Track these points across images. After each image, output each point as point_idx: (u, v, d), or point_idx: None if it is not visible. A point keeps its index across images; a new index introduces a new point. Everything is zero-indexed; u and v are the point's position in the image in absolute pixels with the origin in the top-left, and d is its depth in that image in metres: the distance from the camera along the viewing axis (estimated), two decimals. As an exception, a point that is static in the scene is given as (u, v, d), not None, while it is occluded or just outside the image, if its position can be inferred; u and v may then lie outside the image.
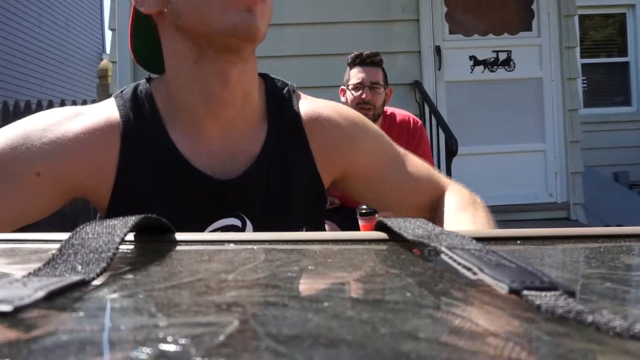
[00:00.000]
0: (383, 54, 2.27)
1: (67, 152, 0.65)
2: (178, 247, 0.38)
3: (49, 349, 0.18)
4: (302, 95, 0.80)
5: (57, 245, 0.29)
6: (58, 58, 9.26)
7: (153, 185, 0.68)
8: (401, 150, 0.84)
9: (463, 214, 0.76)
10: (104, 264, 0.27)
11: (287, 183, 0.73)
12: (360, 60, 2.14)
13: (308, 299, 0.26)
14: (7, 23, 7.82)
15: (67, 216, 4.04)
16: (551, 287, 0.23)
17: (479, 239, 0.32)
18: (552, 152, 3.85)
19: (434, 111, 3.16)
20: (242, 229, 0.71)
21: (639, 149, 5.53)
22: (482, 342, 0.19)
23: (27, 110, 4.17)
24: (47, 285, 0.22)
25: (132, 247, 0.37)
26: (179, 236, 0.39)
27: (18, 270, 0.33)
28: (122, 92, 0.73)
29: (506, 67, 3.90)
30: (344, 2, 3.65)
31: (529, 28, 3.91)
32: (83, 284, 0.25)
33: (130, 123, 0.69)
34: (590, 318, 0.19)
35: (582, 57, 5.46)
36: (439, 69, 3.79)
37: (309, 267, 0.32)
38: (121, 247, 0.31)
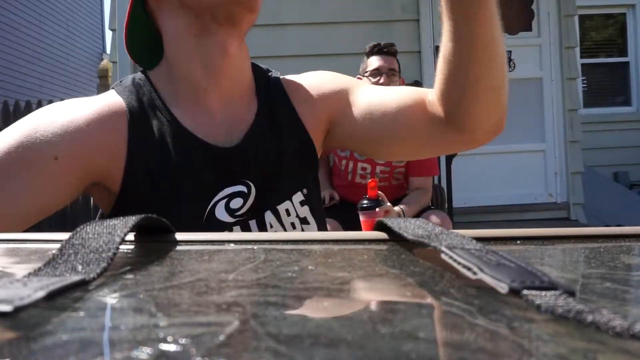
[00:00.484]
0: (383, 54, 2.30)
1: (81, 134, 0.67)
2: (178, 247, 0.38)
3: (49, 349, 0.18)
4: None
5: (58, 245, 0.29)
6: (58, 58, 9.27)
7: (162, 161, 0.71)
8: (376, 86, 0.85)
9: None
10: (104, 264, 0.27)
11: (280, 145, 0.78)
12: (378, 50, 2.30)
13: (308, 299, 0.26)
14: (7, 23, 7.82)
15: (67, 216, 4.04)
16: (551, 286, 0.23)
17: (479, 239, 0.32)
18: (552, 152, 3.86)
19: (434, 111, 3.15)
20: (248, 195, 0.74)
21: (639, 149, 5.53)
22: (482, 342, 0.19)
23: (27, 110, 4.17)
24: (48, 285, 0.23)
25: (132, 247, 0.38)
26: (179, 236, 0.39)
27: (18, 270, 0.33)
28: (120, 82, 0.77)
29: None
30: (344, 2, 3.65)
31: (529, 28, 3.91)
32: (83, 284, 0.25)
33: (134, 105, 0.72)
34: (590, 318, 0.19)
35: (582, 57, 5.46)
36: (439, 69, 3.79)
37: (309, 267, 0.32)
38: (121, 247, 0.31)
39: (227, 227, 0.73)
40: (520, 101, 3.82)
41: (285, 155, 0.78)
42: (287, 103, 0.81)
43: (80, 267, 0.27)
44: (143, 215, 0.36)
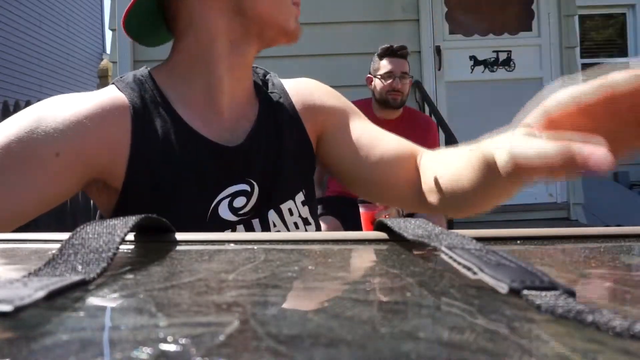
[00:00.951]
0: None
1: (83, 129, 0.66)
2: (178, 247, 0.38)
3: (49, 348, 0.18)
4: None
5: (58, 245, 0.29)
6: (58, 58, 9.27)
7: (165, 158, 0.70)
8: (377, 127, 0.85)
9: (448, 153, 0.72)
10: (104, 264, 0.27)
11: (282, 145, 0.78)
12: (390, 52, 2.40)
13: (308, 299, 0.26)
14: (7, 23, 7.82)
15: (67, 216, 4.04)
16: (551, 286, 0.23)
17: (479, 239, 0.32)
18: (552, 152, 3.85)
19: (434, 111, 3.16)
20: (251, 193, 0.74)
21: (639, 148, 5.52)
22: (482, 342, 0.19)
23: (27, 110, 4.16)
24: (48, 285, 0.22)
25: (132, 247, 0.38)
26: (179, 236, 0.39)
27: (18, 270, 0.33)
28: (121, 78, 0.75)
29: (506, 67, 3.90)
30: (344, 2, 3.65)
31: (529, 28, 3.92)
32: (83, 283, 0.25)
33: (136, 101, 0.71)
34: (590, 318, 0.19)
35: (582, 57, 5.45)
36: (439, 69, 3.80)
37: (309, 267, 0.32)
38: (121, 247, 0.31)
39: (231, 225, 0.73)
40: (520, 101, 3.82)
41: (287, 155, 0.78)
42: (289, 103, 0.82)
43: (80, 267, 0.27)
44: (143, 215, 0.36)
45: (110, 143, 0.68)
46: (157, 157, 0.70)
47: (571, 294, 0.22)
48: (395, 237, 0.38)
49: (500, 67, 3.90)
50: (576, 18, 3.98)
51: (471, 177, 0.62)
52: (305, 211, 0.79)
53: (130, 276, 0.29)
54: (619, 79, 0.39)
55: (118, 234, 0.31)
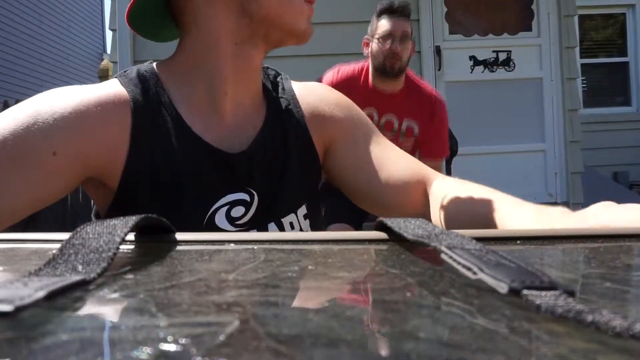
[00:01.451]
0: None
1: (81, 127, 0.64)
2: (178, 247, 0.38)
3: (49, 348, 0.18)
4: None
5: (58, 245, 0.29)
6: (58, 58, 9.27)
7: (164, 160, 0.68)
8: (388, 141, 0.84)
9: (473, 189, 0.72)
10: (104, 264, 0.27)
11: (286, 154, 0.76)
12: (390, 10, 2.07)
13: (308, 299, 0.26)
14: (7, 23, 7.82)
15: (67, 216, 4.04)
16: (551, 286, 0.23)
17: (479, 239, 0.32)
18: (552, 152, 3.86)
19: (434, 111, 3.15)
20: (250, 204, 0.72)
21: (639, 149, 5.53)
22: (482, 342, 0.19)
23: (27, 110, 4.17)
24: (48, 285, 0.23)
25: (132, 247, 0.38)
26: (179, 236, 0.39)
27: (18, 270, 0.33)
28: (125, 72, 0.73)
29: (506, 67, 3.90)
30: (344, 2, 3.64)
31: (529, 28, 3.92)
32: (84, 283, 0.25)
33: (139, 99, 0.68)
34: (590, 318, 0.19)
35: (582, 57, 5.46)
36: (439, 69, 3.79)
37: (309, 267, 0.32)
38: (121, 247, 0.31)
39: None
40: (520, 101, 3.83)
41: (292, 166, 0.76)
42: (298, 111, 0.79)
43: (80, 267, 0.27)
44: (143, 215, 0.36)
45: (109, 142, 0.66)
46: (156, 158, 0.67)
47: (571, 294, 0.22)
48: (395, 237, 0.38)
49: (500, 67, 3.90)
50: (576, 18, 3.98)
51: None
52: (306, 225, 0.77)
53: (130, 276, 0.29)
54: None
55: (118, 234, 0.31)
